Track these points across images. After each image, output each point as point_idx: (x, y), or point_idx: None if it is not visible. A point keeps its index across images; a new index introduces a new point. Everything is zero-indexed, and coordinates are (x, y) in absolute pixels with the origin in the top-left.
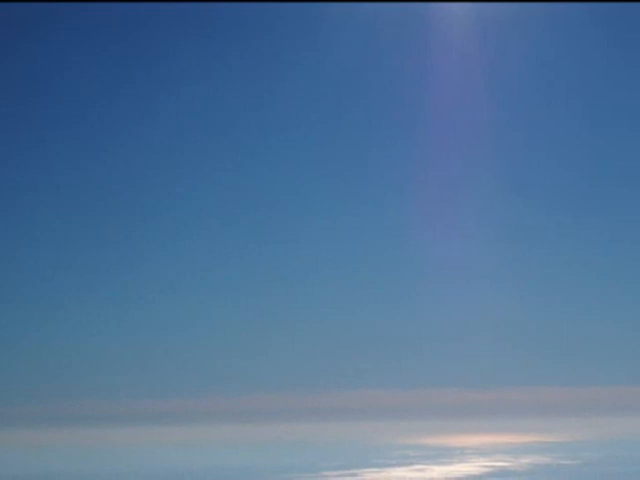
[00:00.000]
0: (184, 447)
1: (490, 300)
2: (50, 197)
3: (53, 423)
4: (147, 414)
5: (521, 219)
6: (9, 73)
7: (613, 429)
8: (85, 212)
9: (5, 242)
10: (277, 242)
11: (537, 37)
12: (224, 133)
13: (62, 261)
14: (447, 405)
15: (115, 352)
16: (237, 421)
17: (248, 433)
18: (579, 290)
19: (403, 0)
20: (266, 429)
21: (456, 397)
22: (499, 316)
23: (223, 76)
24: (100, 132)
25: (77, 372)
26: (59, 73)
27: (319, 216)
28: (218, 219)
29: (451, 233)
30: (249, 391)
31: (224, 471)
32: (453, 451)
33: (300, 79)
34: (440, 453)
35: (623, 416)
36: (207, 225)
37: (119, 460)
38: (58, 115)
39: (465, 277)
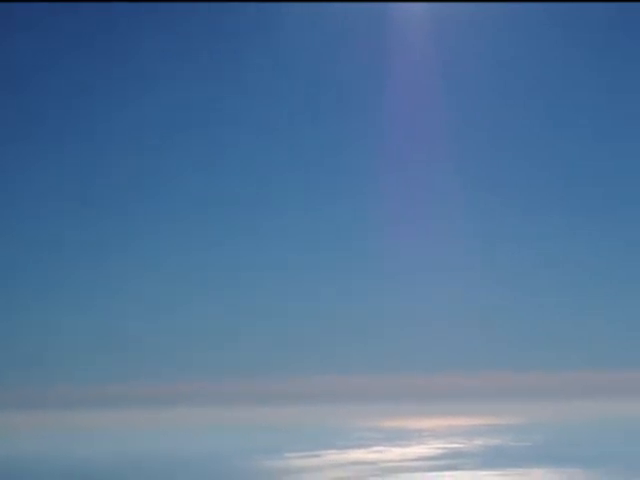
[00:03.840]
0: (149, 431)
1: (446, 289)
2: (32, 192)
3: (28, 407)
4: (111, 398)
5: (495, 218)
6: None
7: (562, 413)
8: (64, 206)
9: None
10: (251, 235)
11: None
12: (195, 131)
13: (47, 254)
14: (405, 389)
15: (87, 336)
16: (201, 405)
17: (212, 417)
18: (531, 277)
19: (363, 0)
20: (230, 413)
21: (413, 382)
22: (454, 304)
23: (195, 75)
24: (79, 129)
25: (50, 356)
26: (40, 70)
27: (288, 212)
28: (197, 212)
29: (420, 229)
30: (213, 376)
31: (189, 454)
32: (410, 434)
33: (260, 79)
34: (398, 435)
35: (571, 400)
36: (186, 216)
37: (86, 444)
38: (39, 112)
39: (427, 269)
